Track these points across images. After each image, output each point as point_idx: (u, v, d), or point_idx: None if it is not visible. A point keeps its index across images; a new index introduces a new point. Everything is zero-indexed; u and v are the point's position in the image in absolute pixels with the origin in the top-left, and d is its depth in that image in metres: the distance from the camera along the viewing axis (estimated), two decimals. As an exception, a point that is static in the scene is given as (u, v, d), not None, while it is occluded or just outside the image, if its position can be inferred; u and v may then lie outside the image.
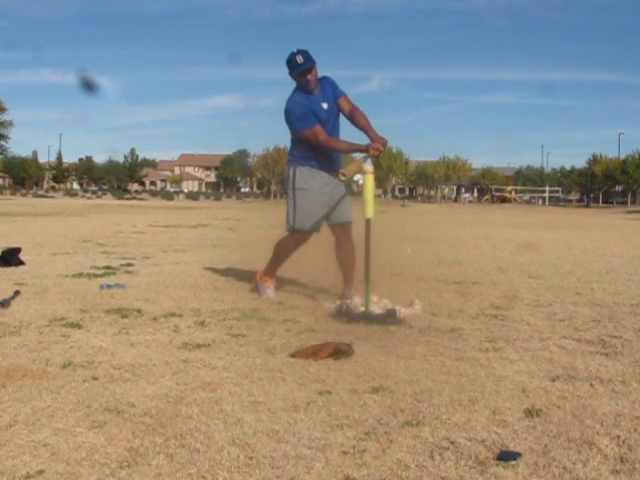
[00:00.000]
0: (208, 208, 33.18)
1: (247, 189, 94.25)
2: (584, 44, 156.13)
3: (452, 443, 2.06)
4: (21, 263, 6.20)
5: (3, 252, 6.31)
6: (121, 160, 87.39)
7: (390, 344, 3.35)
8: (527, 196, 72.20)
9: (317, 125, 4.37)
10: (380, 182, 68.55)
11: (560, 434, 2.15)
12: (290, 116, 4.45)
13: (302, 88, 4.45)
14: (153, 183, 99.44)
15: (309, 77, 4.39)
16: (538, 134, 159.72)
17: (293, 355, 3.07)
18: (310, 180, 4.51)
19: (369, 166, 4.12)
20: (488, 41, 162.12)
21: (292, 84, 4.53)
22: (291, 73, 4.45)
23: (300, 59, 4.36)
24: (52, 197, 60.47)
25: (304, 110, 4.38)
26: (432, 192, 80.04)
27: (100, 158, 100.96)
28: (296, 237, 4.64)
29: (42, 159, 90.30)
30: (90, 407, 2.35)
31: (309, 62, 4.39)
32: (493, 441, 2.09)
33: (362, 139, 4.50)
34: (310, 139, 4.41)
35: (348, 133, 4.76)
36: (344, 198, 4.63)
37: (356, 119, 4.53)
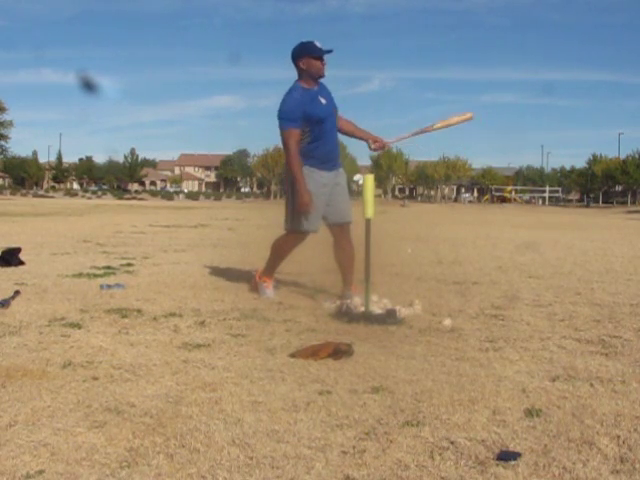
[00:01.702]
0: (208, 208, 33.18)
1: (247, 189, 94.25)
2: (584, 44, 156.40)
3: (452, 443, 2.06)
4: (21, 263, 6.20)
5: (3, 252, 6.31)
6: (121, 160, 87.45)
7: (390, 344, 3.35)
8: (527, 196, 72.23)
9: (296, 130, 4.38)
10: (380, 182, 68.60)
11: (560, 434, 2.15)
12: (281, 109, 4.44)
13: (310, 76, 4.44)
14: (153, 183, 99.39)
15: (325, 62, 4.46)
16: (538, 134, 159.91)
17: (293, 355, 3.07)
18: (309, 180, 4.49)
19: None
20: (488, 41, 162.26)
21: (291, 83, 4.52)
22: (308, 55, 4.41)
23: (319, 44, 4.44)
24: (52, 197, 60.54)
25: (295, 108, 4.37)
26: (432, 192, 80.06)
27: (100, 158, 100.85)
28: (294, 237, 4.64)
29: (42, 159, 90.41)
30: (90, 407, 2.35)
31: (328, 49, 4.46)
32: (493, 441, 2.09)
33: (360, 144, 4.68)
34: (284, 139, 4.42)
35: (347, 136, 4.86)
36: (343, 198, 4.64)
37: (349, 128, 4.77)
